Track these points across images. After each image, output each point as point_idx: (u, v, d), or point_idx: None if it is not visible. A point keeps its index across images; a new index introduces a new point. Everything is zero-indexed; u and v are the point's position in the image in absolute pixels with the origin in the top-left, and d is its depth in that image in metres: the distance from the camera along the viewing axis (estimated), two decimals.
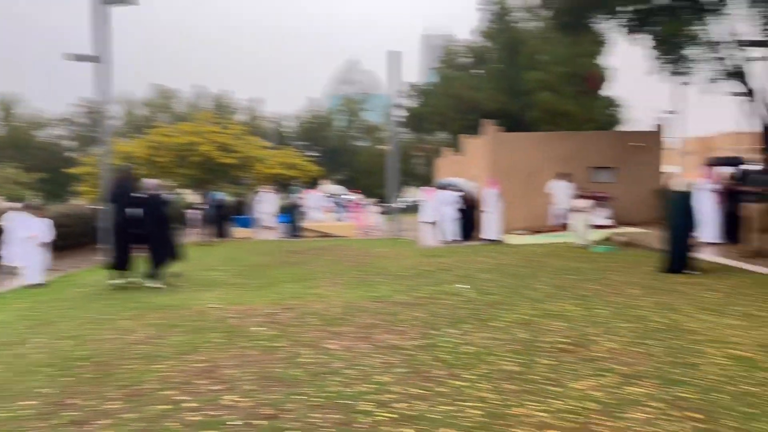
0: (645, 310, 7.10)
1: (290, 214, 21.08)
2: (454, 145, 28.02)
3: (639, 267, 10.52)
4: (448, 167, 27.05)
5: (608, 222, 16.78)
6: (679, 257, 9.77)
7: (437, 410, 4.15)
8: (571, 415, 4.01)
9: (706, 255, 10.98)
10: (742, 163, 15.01)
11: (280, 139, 45.07)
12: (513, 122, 28.58)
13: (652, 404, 4.17)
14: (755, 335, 5.85)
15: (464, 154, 23.94)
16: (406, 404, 4.26)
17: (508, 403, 4.27)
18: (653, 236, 12.22)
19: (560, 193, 17.02)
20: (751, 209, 10.83)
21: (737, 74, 14.55)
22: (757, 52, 14.65)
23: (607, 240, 14.49)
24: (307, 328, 6.65)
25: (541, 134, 21.22)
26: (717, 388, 4.42)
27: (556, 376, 4.83)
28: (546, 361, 5.21)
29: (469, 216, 16.88)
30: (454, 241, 16.30)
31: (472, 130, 23.74)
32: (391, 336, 6.20)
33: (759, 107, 14.53)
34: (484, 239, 16.05)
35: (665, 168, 20.44)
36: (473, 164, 21.00)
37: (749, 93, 14.66)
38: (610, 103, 33.41)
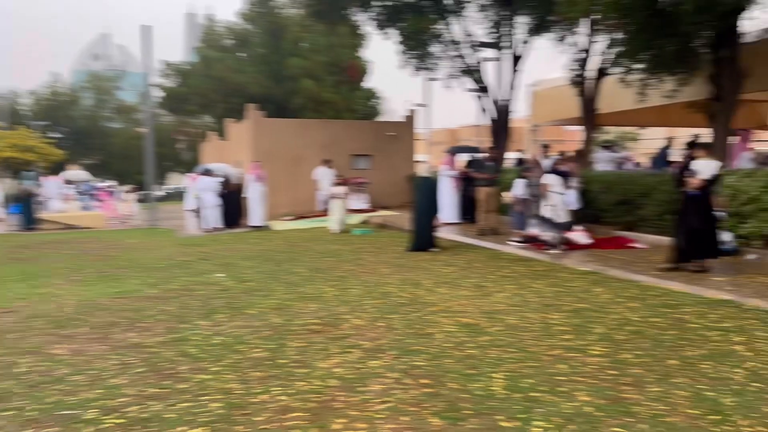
0: (392, 286, 7.55)
1: (23, 203, 18.36)
2: (219, 130, 27.08)
3: (391, 247, 11.21)
4: (212, 152, 26.05)
5: (366, 206, 17.69)
6: (424, 237, 10.61)
7: (175, 409, 3.86)
8: (313, 395, 4.03)
9: (447, 234, 12.13)
10: (478, 152, 16.90)
11: (14, 119, 39.11)
12: (278, 108, 28.58)
13: (389, 375, 4.39)
14: (481, 303, 6.56)
15: (228, 139, 23.26)
16: (140, 407, 3.90)
17: (253, 391, 4.16)
18: (405, 218, 13.12)
19: (325, 179, 17.44)
20: (482, 193, 12.22)
21: (472, 72, 16.29)
22: (487, 52, 16.56)
23: (364, 223, 15.25)
24: (31, 333, 5.78)
25: (304, 121, 21.51)
26: (446, 354, 4.83)
27: (304, 357, 4.85)
28: (296, 344, 5.22)
29: (233, 202, 16.44)
30: (217, 228, 15.75)
31: (237, 114, 23.14)
32: (133, 334, 5.68)
33: (489, 103, 16.45)
34: (249, 226, 15.78)
35: (417, 156, 22.19)
36: (237, 149, 20.50)
37: (483, 90, 16.51)
38: (369, 94, 35.20)
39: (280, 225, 15.87)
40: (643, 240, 10.04)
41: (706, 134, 11.50)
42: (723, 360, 4.51)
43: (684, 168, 7.80)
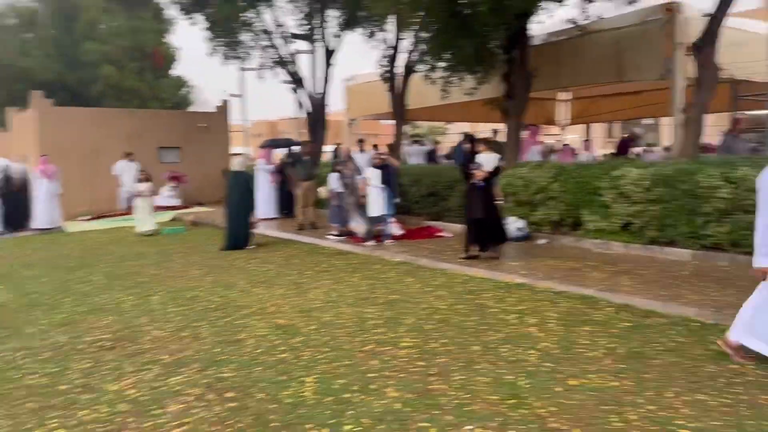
0: (201, 290, 7.06)
1: None
2: (0, 120, 23.67)
3: (204, 247, 10.59)
4: None
5: (177, 202, 16.65)
6: (240, 234, 10.16)
7: None
8: (99, 425, 3.54)
9: (264, 230, 11.78)
10: (295, 145, 16.70)
11: None
12: (74, 96, 25.75)
13: (191, 391, 4.02)
14: (297, 302, 6.36)
15: (11, 130, 20.43)
16: None
17: (24, 426, 3.55)
18: (220, 215, 12.51)
19: (126, 174, 16.04)
20: (299, 187, 12.04)
21: (286, 63, 15.98)
22: (300, 44, 16.36)
23: (174, 221, 14.29)
24: None
25: (102, 110, 19.61)
26: (256, 362, 4.55)
27: (90, 380, 4.27)
28: (83, 365, 4.59)
29: (17, 202, 14.38)
30: None
31: (22, 102, 20.37)
32: None
33: (305, 96, 16.29)
34: (37, 229, 13.93)
35: (234, 149, 21.40)
36: (22, 142, 18.06)
37: (297, 82, 16.28)
38: (179, 82, 33.18)
39: (75, 226, 14.26)
40: (449, 229, 10.59)
41: (503, 129, 12.43)
42: (519, 342, 4.80)
43: (469, 161, 8.31)
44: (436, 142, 18.68)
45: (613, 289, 6.20)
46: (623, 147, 15.26)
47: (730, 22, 9.19)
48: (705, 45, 8.68)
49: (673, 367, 4.16)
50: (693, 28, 9.37)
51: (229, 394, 3.94)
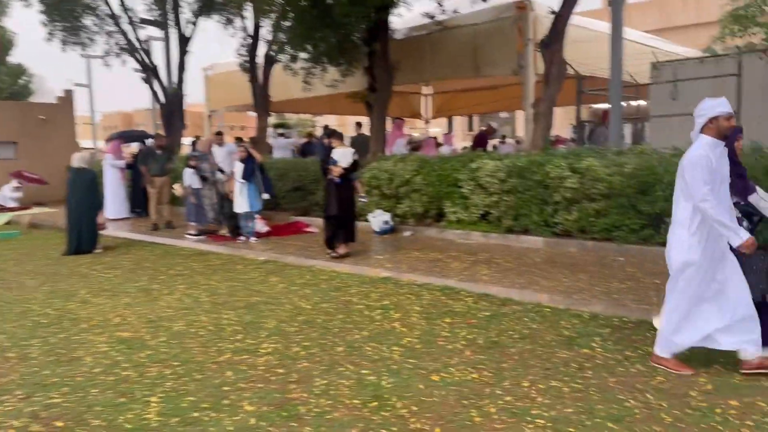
0: (35, 302, 6.27)
1: None
2: None
3: (43, 251, 9.54)
4: None
5: (13, 203, 14.96)
6: (84, 237, 9.24)
7: None
8: None
9: (114, 231, 10.86)
10: (149, 138, 15.56)
11: None
12: None
13: (12, 423, 3.46)
14: (146, 311, 5.83)
15: None
16: None
17: None
18: (62, 216, 11.36)
19: None
20: (153, 183, 11.21)
21: (136, 51, 14.84)
22: (151, 30, 15.28)
23: (8, 224, 12.79)
24: None
25: None
26: (92, 383, 4.04)
27: None
28: None
29: None
30: None
31: None
32: None
33: (158, 86, 15.25)
34: None
35: (83, 143, 19.64)
36: None
37: (150, 71, 15.20)
38: (18, 71, 30.14)
39: None
40: (316, 224, 10.36)
41: (368, 122, 12.40)
42: (383, 340, 4.69)
43: (327, 156, 8.06)
44: (310, 135, 18.23)
45: (473, 279, 6.33)
46: (481, 140, 15.84)
47: (575, 20, 9.78)
48: (552, 42, 9.16)
49: (528, 355, 4.25)
50: (542, 26, 9.86)
51: (59, 423, 3.44)
